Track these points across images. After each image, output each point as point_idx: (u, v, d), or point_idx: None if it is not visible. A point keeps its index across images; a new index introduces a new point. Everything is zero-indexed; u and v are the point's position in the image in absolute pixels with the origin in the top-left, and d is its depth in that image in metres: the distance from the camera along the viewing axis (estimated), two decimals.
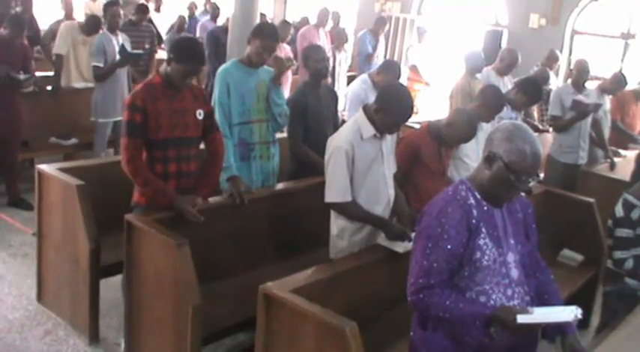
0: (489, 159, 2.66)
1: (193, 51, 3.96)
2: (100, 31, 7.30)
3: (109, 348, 4.38)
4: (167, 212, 3.98)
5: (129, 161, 3.89)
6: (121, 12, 7.34)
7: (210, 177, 4.23)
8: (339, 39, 9.76)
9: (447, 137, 4.54)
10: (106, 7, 7.45)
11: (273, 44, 4.58)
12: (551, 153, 6.93)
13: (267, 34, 4.54)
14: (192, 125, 4.07)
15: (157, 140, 3.95)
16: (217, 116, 4.43)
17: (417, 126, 6.26)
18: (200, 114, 4.09)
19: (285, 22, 9.31)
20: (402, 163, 4.36)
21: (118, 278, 4.44)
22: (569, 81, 7.24)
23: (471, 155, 4.94)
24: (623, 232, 4.16)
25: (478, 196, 2.71)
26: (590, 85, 7.19)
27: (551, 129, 7.54)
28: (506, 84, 7.05)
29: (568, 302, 2.74)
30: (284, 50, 8.66)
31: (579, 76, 6.94)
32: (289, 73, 8.28)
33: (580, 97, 6.71)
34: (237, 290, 4.07)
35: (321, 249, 4.09)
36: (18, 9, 9.20)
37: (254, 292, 3.26)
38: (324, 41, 9.57)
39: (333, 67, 9.32)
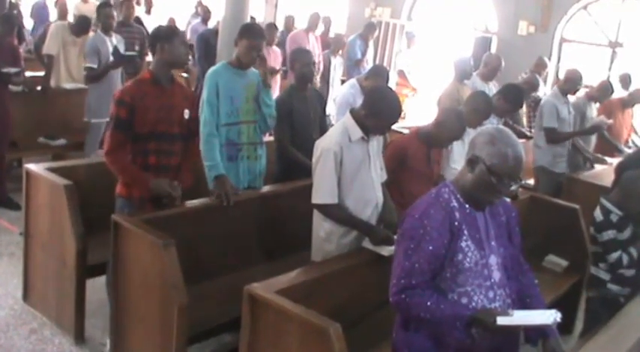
0: (472, 162, 2.69)
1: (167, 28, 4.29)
2: (91, 32, 7.29)
3: (94, 348, 4.38)
4: (153, 212, 4.02)
5: (108, 152, 4.07)
6: (114, 13, 7.33)
7: (187, 162, 4.34)
8: (336, 44, 9.77)
9: (438, 136, 4.58)
10: (99, 8, 7.43)
11: (260, 42, 4.64)
12: (544, 165, 6.92)
13: (253, 33, 4.61)
14: (177, 122, 4.17)
15: (141, 134, 4.04)
16: (206, 115, 4.49)
17: (406, 131, 6.29)
18: (187, 113, 4.22)
19: (271, 25, 9.31)
20: (388, 164, 4.37)
21: (104, 279, 4.46)
22: (556, 88, 7.26)
23: (459, 160, 4.95)
24: (609, 234, 4.19)
25: (461, 199, 2.74)
26: (578, 93, 7.26)
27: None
28: (492, 90, 7.09)
29: (552, 307, 2.76)
30: (273, 53, 8.69)
31: (570, 84, 6.98)
32: (277, 77, 8.31)
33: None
34: (223, 290, 4.08)
35: (306, 251, 4.10)
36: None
37: (240, 293, 3.27)
38: (314, 45, 9.58)
39: (328, 72, 9.35)
